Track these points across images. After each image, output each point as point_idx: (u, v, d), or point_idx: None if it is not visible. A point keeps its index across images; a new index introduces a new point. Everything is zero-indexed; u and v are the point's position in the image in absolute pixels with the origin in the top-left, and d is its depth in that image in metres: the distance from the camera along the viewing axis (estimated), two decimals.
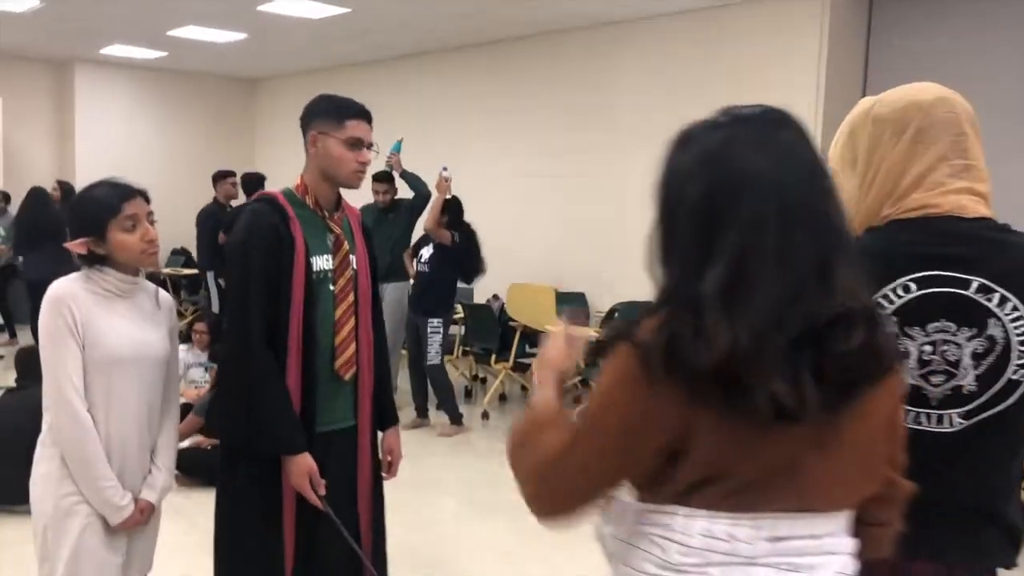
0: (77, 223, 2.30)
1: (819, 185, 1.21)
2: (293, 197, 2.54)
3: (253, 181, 7.85)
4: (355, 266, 2.60)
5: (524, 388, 7.66)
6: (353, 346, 2.56)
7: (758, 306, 1.13)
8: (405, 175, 6.72)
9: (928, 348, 1.45)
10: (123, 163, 9.85)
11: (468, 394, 7.66)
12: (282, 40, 9.22)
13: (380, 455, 2.73)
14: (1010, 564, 1.53)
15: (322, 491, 2.41)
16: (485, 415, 6.97)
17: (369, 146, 2.57)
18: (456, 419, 6.51)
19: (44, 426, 2.30)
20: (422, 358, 6.43)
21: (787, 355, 1.12)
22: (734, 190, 1.17)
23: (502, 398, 7.56)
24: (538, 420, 1.31)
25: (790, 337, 1.13)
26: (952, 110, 1.51)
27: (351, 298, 2.56)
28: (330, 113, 2.54)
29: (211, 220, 7.74)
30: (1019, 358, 1.43)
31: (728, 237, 1.16)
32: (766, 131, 1.22)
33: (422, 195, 6.68)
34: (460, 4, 7.34)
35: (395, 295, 6.95)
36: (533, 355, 7.81)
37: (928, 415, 1.47)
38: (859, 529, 1.31)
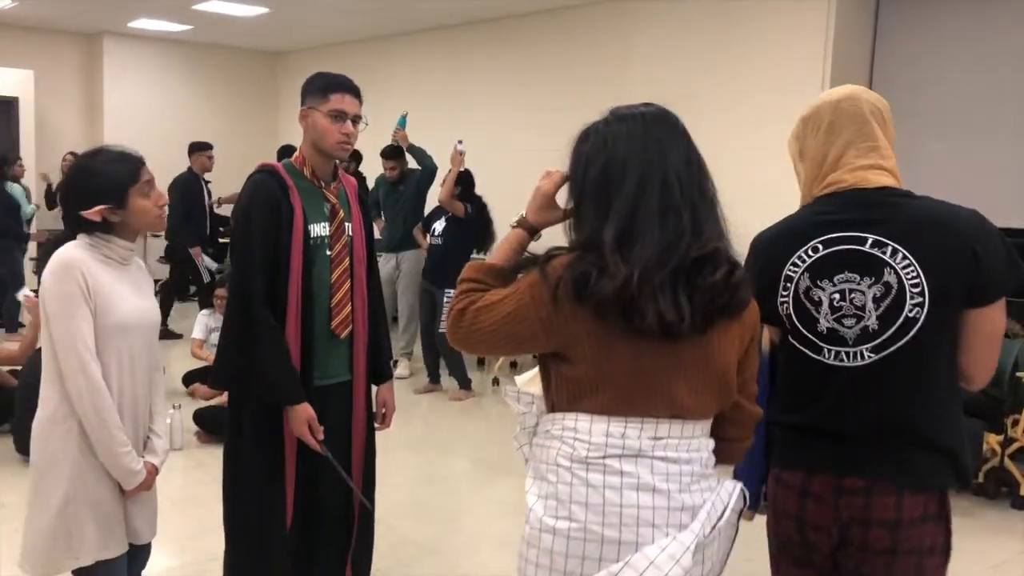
0: (93, 192, 2.24)
1: (692, 165, 1.64)
2: (293, 168, 2.72)
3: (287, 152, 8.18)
4: (350, 232, 2.79)
5: (534, 356, 7.88)
6: (348, 307, 2.75)
7: (644, 250, 1.55)
8: (412, 149, 6.92)
9: (837, 296, 1.77)
10: (150, 133, 10.19)
11: (480, 362, 7.90)
12: (304, 14, 9.41)
13: (374, 407, 2.95)
14: (950, 486, 1.79)
15: (320, 436, 2.63)
16: (495, 381, 7.23)
17: (355, 119, 2.71)
18: (465, 384, 6.76)
19: (52, 396, 2.25)
20: (436, 326, 6.67)
21: (669, 284, 1.54)
22: (622, 169, 1.61)
23: (512, 365, 7.81)
24: (479, 268, 1.76)
25: (670, 271, 1.54)
26: (855, 104, 1.84)
27: (346, 262, 2.75)
28: (317, 88, 2.71)
29: (183, 189, 7.98)
30: (912, 299, 1.72)
31: (620, 202, 1.59)
32: (644, 125, 1.65)
33: (429, 169, 6.89)
34: None
35: (411, 264, 7.21)
36: None
37: (847, 352, 1.77)
38: (719, 444, 1.71)
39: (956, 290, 1.71)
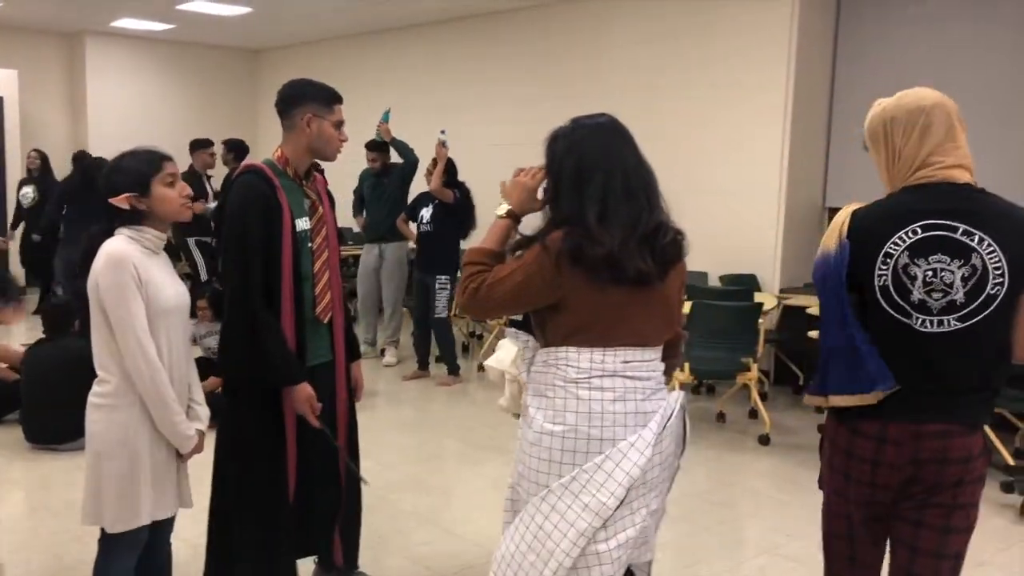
0: (120, 181, 2.49)
1: (641, 161, 2.22)
2: (275, 168, 2.92)
3: (242, 146, 8.51)
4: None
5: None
6: (329, 294, 3.02)
7: (621, 223, 2.12)
8: (395, 142, 7.16)
9: (929, 273, 2.10)
10: (133, 131, 10.31)
11: (465, 349, 8.17)
12: (285, 12, 9.61)
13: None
14: (987, 421, 2.20)
15: (318, 412, 2.89)
16: (481, 368, 7.49)
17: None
18: (454, 370, 7.02)
19: (112, 375, 2.49)
20: (429, 313, 6.92)
21: (639, 247, 2.12)
22: (591, 164, 2.17)
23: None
24: (475, 252, 2.25)
25: (638, 237, 2.13)
26: (945, 110, 2.17)
27: (326, 254, 3.01)
28: (324, 98, 2.94)
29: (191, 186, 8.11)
30: (993, 279, 2.08)
31: (592, 189, 2.15)
32: (604, 131, 2.22)
33: (411, 162, 7.13)
34: None
35: (396, 254, 7.45)
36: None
37: (930, 320, 2.12)
38: (665, 363, 2.32)
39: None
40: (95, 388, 2.54)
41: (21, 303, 5.91)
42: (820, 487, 2.32)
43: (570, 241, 2.10)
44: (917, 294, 2.10)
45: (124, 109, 11.36)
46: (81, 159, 9.18)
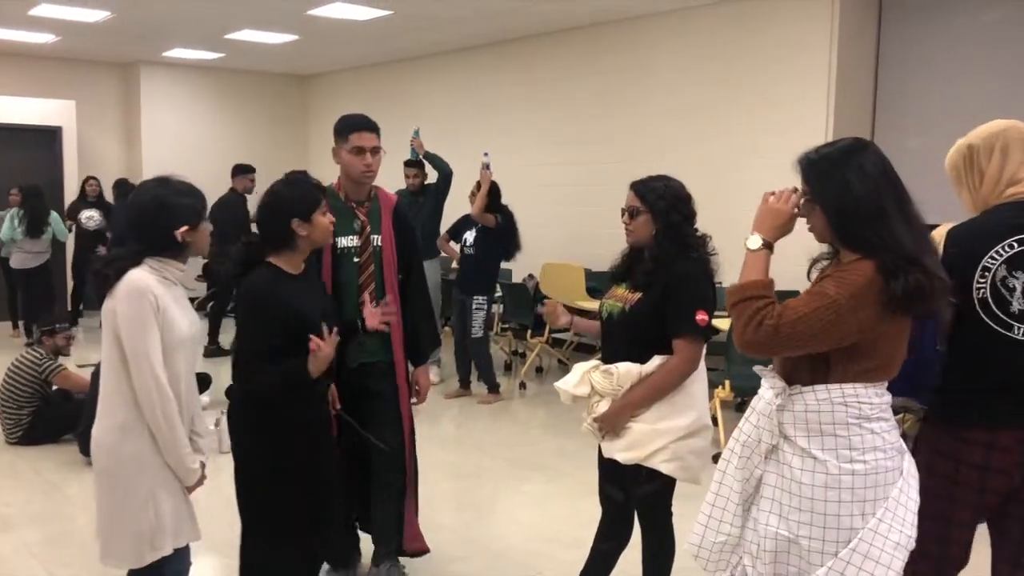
0: (178, 215, 2.50)
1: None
2: (332, 192, 3.32)
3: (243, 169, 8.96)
4: (378, 243, 3.41)
5: (560, 362, 8.18)
6: (374, 303, 3.25)
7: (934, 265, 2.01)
8: (428, 156, 7.17)
9: None
10: (185, 158, 10.62)
11: (507, 367, 8.20)
12: (331, 40, 9.81)
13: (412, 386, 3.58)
14: None
15: (337, 405, 3.13)
16: (523, 386, 7.52)
17: (374, 151, 3.32)
18: (494, 388, 7.05)
19: (121, 406, 2.45)
20: (467, 334, 6.98)
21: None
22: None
23: (538, 370, 8.10)
24: (751, 286, 2.07)
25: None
26: (1019, 130, 2.33)
27: (371, 268, 3.39)
28: (340, 131, 3.37)
29: (233, 208, 8.40)
30: None
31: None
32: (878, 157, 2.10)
33: (445, 174, 7.11)
34: (498, 3, 7.83)
35: (429, 273, 7.50)
36: (566, 330, 8.28)
37: None
38: None
39: None
40: (101, 421, 2.51)
41: (70, 332, 6.16)
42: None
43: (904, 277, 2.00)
44: (1017, 304, 2.21)
45: (177, 136, 11.67)
46: (122, 186, 9.73)
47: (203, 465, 2.62)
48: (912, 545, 2.06)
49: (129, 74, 11.72)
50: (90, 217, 9.94)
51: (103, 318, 2.49)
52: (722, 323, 5.07)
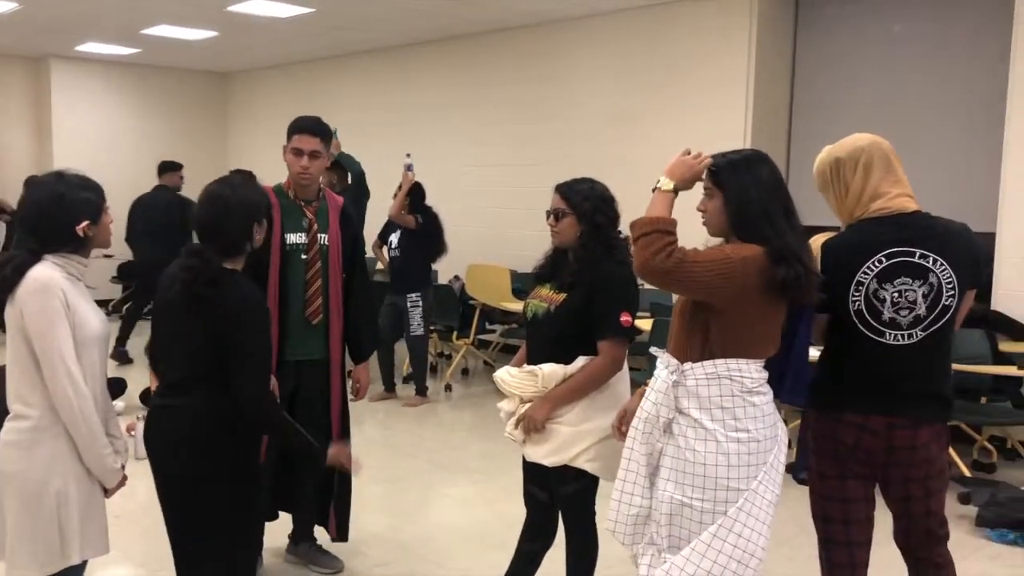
0: (77, 210, 2.40)
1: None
2: (280, 190, 3.48)
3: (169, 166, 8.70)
4: (324, 242, 3.48)
5: (486, 363, 8.18)
6: (320, 299, 3.45)
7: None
8: (342, 156, 6.55)
9: (896, 294, 2.45)
10: (100, 156, 10.27)
11: (433, 369, 8.16)
12: (252, 37, 9.62)
13: (351, 383, 3.67)
14: (946, 419, 2.56)
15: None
16: (448, 388, 7.49)
17: (312, 154, 3.39)
18: (422, 391, 7.00)
19: (34, 406, 2.35)
20: (396, 336, 6.89)
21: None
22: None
23: (464, 372, 8.09)
24: (663, 220, 2.28)
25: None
26: (880, 148, 2.51)
27: (318, 264, 3.46)
28: (288, 131, 3.48)
29: (169, 205, 8.10)
30: (947, 292, 2.46)
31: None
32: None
33: (355, 174, 6.58)
34: (420, 3, 7.79)
35: None
36: (492, 331, 8.32)
37: (901, 334, 2.47)
38: None
39: (966, 282, 2.48)
40: (9, 425, 2.40)
41: None
42: (799, 480, 2.59)
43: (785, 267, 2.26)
44: (887, 313, 2.45)
45: (91, 133, 11.30)
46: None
47: (123, 467, 2.53)
48: (777, 501, 2.34)
49: (39, 69, 11.30)
50: None
51: (7, 319, 2.38)
52: (645, 324, 5.15)
